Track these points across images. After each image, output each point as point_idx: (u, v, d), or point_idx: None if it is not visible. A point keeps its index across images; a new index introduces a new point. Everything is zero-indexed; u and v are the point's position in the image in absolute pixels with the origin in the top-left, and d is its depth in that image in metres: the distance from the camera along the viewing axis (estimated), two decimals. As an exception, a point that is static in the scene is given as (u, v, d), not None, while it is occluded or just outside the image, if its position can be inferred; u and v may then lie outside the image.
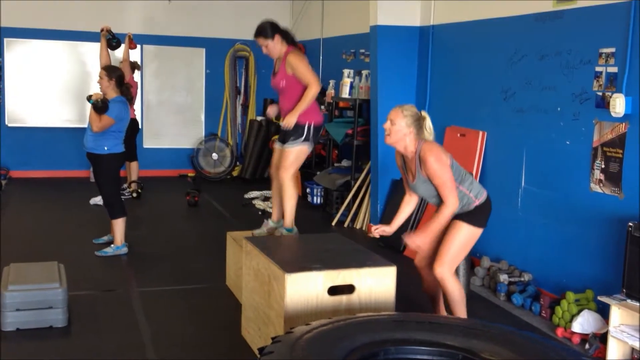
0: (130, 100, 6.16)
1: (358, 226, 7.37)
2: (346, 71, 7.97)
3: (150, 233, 6.93)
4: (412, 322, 3.03)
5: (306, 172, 8.91)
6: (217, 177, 10.47)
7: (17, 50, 9.75)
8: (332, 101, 8.25)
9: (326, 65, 9.51)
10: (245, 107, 10.98)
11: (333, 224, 7.53)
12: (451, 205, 3.99)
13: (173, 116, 10.66)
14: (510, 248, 5.52)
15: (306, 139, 5.05)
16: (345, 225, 7.45)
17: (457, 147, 6.07)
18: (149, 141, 10.50)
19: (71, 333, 4.27)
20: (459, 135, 6.12)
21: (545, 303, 4.81)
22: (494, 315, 4.86)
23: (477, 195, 4.12)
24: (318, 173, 8.39)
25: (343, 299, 3.62)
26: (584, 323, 4.38)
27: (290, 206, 5.10)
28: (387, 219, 6.98)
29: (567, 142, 4.88)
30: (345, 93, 7.86)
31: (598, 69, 4.58)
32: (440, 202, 4.07)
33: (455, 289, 4.14)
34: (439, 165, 3.94)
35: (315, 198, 8.36)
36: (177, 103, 10.70)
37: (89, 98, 5.76)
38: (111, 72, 5.93)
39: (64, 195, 8.80)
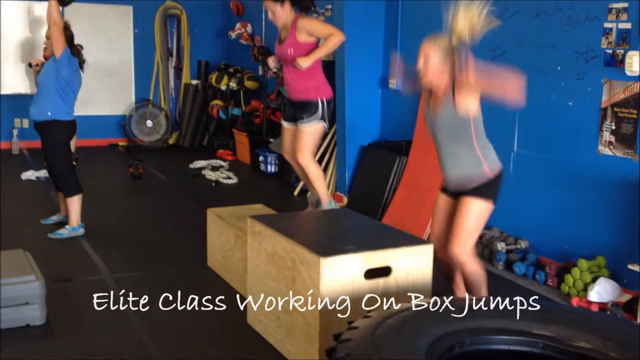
0: (82, 64, 5.52)
1: (322, 195, 6.97)
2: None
3: (101, 210, 6.30)
4: (479, 309, 2.73)
5: (255, 140, 8.43)
6: (153, 146, 9.80)
7: None
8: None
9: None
10: (178, 70, 10.31)
11: (295, 193, 7.12)
12: None
13: (99, 81, 9.78)
14: (501, 215, 5.26)
15: (322, 117, 4.69)
16: (309, 194, 7.05)
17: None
18: (74, 108, 9.63)
19: (54, 331, 3.71)
20: (437, 97, 5.80)
21: (552, 271, 4.63)
22: (497, 285, 4.63)
23: (491, 168, 3.69)
24: (271, 140, 7.92)
25: (380, 282, 3.26)
26: (601, 292, 4.21)
27: (319, 185, 4.94)
28: (356, 187, 6.61)
29: (570, 103, 4.67)
30: (302, 54, 7.38)
31: (607, 25, 4.35)
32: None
33: (475, 271, 3.75)
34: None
35: (269, 167, 7.90)
36: (104, 66, 9.86)
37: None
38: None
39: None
